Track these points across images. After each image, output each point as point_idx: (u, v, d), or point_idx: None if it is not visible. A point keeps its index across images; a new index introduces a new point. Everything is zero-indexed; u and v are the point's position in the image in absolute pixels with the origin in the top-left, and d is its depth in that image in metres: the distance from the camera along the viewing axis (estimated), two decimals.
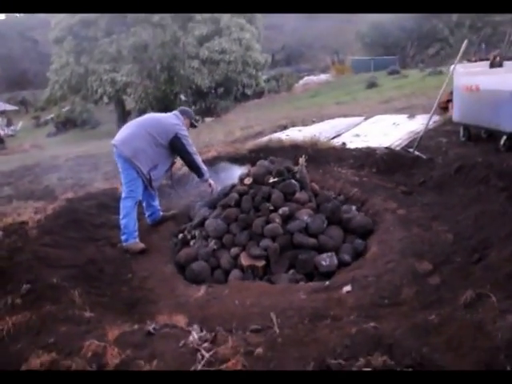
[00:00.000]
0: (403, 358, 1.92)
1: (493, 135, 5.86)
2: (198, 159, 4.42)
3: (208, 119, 15.15)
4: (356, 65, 24.16)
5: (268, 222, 3.88)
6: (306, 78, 19.81)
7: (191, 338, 2.22)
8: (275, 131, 8.96)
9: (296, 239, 3.72)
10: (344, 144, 6.89)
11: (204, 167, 4.46)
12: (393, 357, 1.92)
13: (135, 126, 4.29)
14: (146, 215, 4.68)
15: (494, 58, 7.11)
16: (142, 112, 17.87)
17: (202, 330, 2.44)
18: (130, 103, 20.56)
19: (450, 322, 2.17)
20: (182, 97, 16.93)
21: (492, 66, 5.91)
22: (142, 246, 4.08)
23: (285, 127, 9.32)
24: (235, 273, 3.58)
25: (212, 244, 3.84)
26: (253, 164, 5.00)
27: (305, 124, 9.30)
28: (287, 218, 3.91)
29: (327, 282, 3.16)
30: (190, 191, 5.36)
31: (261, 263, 3.59)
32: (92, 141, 17.03)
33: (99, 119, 27.12)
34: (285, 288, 3.19)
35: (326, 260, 3.53)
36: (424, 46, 32.46)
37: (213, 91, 17.72)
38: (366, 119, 8.89)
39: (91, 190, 5.69)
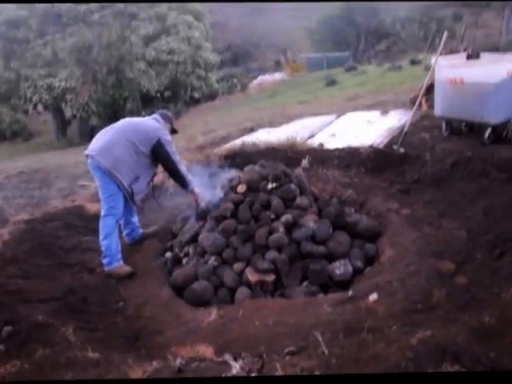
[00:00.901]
0: (474, 365, 1.92)
1: (473, 128, 6.14)
2: (183, 168, 4.25)
3: None
4: (310, 62, 24.64)
5: (271, 231, 3.81)
6: (259, 77, 19.92)
7: (234, 371, 2.11)
8: (242, 134, 8.90)
9: (305, 248, 3.67)
10: (322, 145, 6.96)
11: (189, 177, 4.30)
12: (463, 365, 1.91)
13: (112, 132, 4.02)
14: (124, 234, 4.47)
15: (465, 50, 7.51)
16: (84, 121, 17.21)
17: (235, 359, 2.34)
18: (69, 110, 19.74)
19: (509, 322, 2.19)
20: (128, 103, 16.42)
21: (469, 58, 6.20)
22: (128, 269, 3.87)
23: (251, 130, 9.29)
24: (242, 290, 3.46)
25: (212, 261, 3.71)
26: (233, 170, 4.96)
27: (273, 125, 9.32)
28: (291, 226, 3.86)
29: (350, 292, 3.13)
30: (168, 204, 5.18)
31: (270, 278, 3.50)
32: (29, 155, 16.19)
33: (32, 131, 25.90)
34: (306, 302, 3.13)
35: (340, 268, 3.51)
36: (374, 42, 33.75)
37: (159, 95, 17.33)
38: (337, 117, 9.03)
39: (49, 210, 5.36)
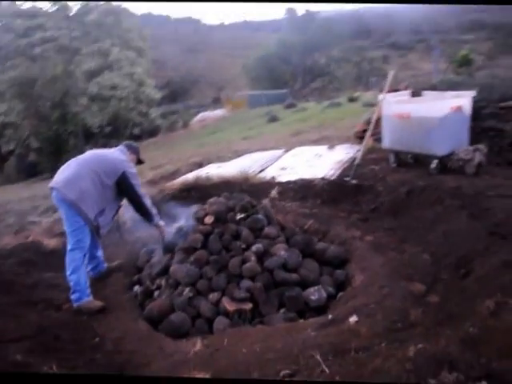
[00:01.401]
0: (470, 372, 2.11)
1: (418, 160, 6.67)
2: (148, 201, 4.28)
3: None
4: (250, 99, 25.43)
5: (243, 261, 3.90)
6: (200, 114, 20.23)
7: None
8: (192, 169, 9.00)
9: (278, 276, 3.79)
10: (274, 178, 7.21)
11: (154, 210, 4.33)
12: (460, 372, 2.10)
13: (77, 164, 4.02)
14: (89, 268, 4.38)
15: (405, 88, 8.20)
16: (22, 156, 16.52)
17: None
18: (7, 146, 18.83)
19: (490, 330, 2.42)
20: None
21: (413, 95, 6.81)
22: (99, 303, 3.80)
23: (200, 165, 9.42)
24: (221, 320, 3.50)
25: (187, 291, 3.72)
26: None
27: (222, 160, 9.51)
28: (262, 255, 3.98)
29: (330, 316, 3.27)
30: (127, 238, 5.14)
31: (248, 306, 3.57)
32: None
33: None
34: (289, 328, 3.22)
35: (315, 294, 3.66)
36: (309, 80, 35.55)
37: (99, 131, 17.07)
38: (285, 152, 9.38)
39: (3, 247, 5.17)
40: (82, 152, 4.79)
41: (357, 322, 3.12)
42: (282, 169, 7.96)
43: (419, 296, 3.35)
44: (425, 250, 4.05)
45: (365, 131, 9.21)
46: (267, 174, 7.57)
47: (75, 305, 3.79)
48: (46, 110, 15.17)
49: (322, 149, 9.04)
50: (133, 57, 18.41)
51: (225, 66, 49.39)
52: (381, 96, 6.52)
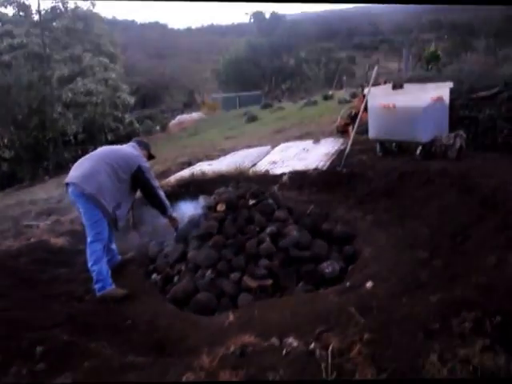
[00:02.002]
0: (486, 310, 2.43)
1: (402, 148, 7.08)
2: (162, 194, 4.46)
3: None
4: (225, 102, 25.74)
5: (259, 242, 4.17)
6: (178, 117, 20.38)
7: (295, 344, 2.42)
8: (182, 168, 9.18)
9: (293, 253, 4.08)
10: (267, 171, 7.50)
11: (167, 202, 4.52)
12: (478, 311, 2.43)
13: (94, 160, 4.16)
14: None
15: (385, 82, 8.62)
16: None
17: (281, 340, 2.64)
18: None
19: (496, 279, 2.77)
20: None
21: (394, 88, 7.20)
22: (123, 291, 3.94)
23: (189, 164, 9.61)
24: (244, 296, 3.75)
25: (209, 273, 3.96)
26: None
27: (210, 158, 9.72)
28: (275, 236, 4.25)
29: (348, 283, 3.58)
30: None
31: (269, 282, 3.84)
32: None
33: None
34: (312, 296, 3.51)
35: (329, 267, 3.96)
36: (280, 81, 36.03)
37: (73, 138, 16.93)
38: (272, 148, 9.68)
39: (10, 248, 5.24)
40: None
41: (373, 286, 3.44)
42: (273, 163, 8.25)
43: (424, 261, 3.69)
44: (422, 223, 4.40)
45: (346, 125, 9.65)
46: (259, 168, 7.85)
47: (99, 294, 3.91)
48: (23, 118, 15.04)
49: (307, 143, 9.38)
50: (106, 62, 18.40)
51: (194, 71, 49.43)
52: (366, 90, 6.88)
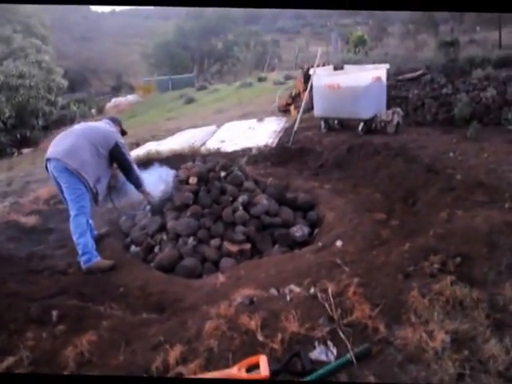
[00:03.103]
0: (448, 253, 2.87)
1: (344, 125, 7.57)
2: (137, 168, 4.55)
3: (26, 150, 13.68)
4: (159, 84, 25.23)
5: (233, 210, 4.40)
6: (113, 99, 19.73)
7: (296, 290, 2.71)
8: (131, 149, 9.08)
9: (266, 220, 4.36)
10: (219, 149, 7.69)
11: (142, 176, 4.61)
12: (441, 254, 2.86)
13: (75, 135, 4.14)
14: None
15: (324, 64, 9.05)
16: None
17: (278, 291, 2.92)
18: None
19: (450, 230, 3.23)
20: None
21: (335, 69, 7.63)
22: (109, 262, 3.99)
23: (137, 144, 9.52)
24: (226, 260, 3.99)
25: (191, 240, 4.14)
26: None
27: (157, 139, 9.70)
28: (246, 205, 4.51)
29: (319, 243, 3.92)
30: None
31: (247, 246, 4.10)
32: None
33: None
34: (290, 256, 3.82)
35: (299, 231, 4.29)
36: (209, 64, 35.84)
37: (5, 121, 15.85)
38: (218, 127, 9.85)
39: None
40: None
41: (342, 244, 3.81)
42: (222, 141, 8.44)
43: (383, 222, 4.13)
44: (375, 190, 4.88)
45: (287, 104, 10.03)
46: (210, 146, 8.01)
47: (85, 266, 3.93)
48: None
49: (252, 122, 9.65)
50: (38, 44, 17.30)
51: (119, 54, 47.71)
52: (311, 70, 7.24)
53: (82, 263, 3.96)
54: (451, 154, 5.15)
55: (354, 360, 2.12)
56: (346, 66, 7.65)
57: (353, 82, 6.62)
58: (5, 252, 4.28)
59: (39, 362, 2.50)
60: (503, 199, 3.64)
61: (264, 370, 2.08)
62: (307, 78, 9.57)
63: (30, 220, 5.19)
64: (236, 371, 2.12)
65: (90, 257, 3.95)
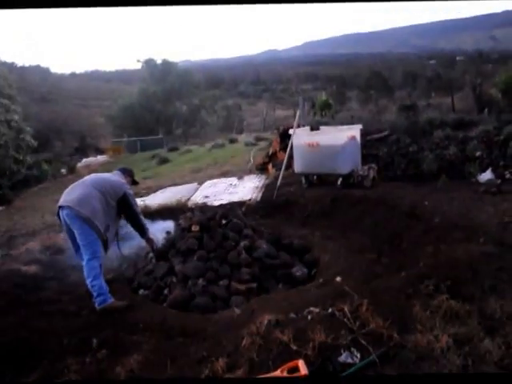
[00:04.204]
0: (439, 279, 3.44)
1: (322, 180, 8.29)
2: (143, 218, 5.00)
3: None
4: (128, 145, 25.90)
5: (237, 254, 4.87)
6: (84, 160, 20.09)
7: (316, 311, 3.19)
8: None
9: (267, 262, 4.85)
10: (205, 203, 8.20)
11: (147, 225, 5.06)
12: (434, 279, 3.43)
13: (85, 186, 4.55)
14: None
15: (299, 126, 9.90)
16: None
17: (297, 314, 3.38)
18: None
19: (437, 261, 3.83)
20: None
21: (312, 129, 8.46)
22: (124, 302, 4.30)
23: None
24: (236, 298, 4.40)
25: (201, 281, 4.54)
26: None
27: (140, 196, 10.12)
28: (248, 249, 4.99)
29: (320, 280, 4.43)
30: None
31: (254, 285, 4.54)
32: None
33: None
34: (295, 291, 4.28)
35: (299, 271, 4.79)
36: (174, 127, 37.03)
37: None
38: (199, 184, 10.39)
39: None
40: None
41: (342, 279, 4.32)
42: (206, 197, 8.96)
43: (374, 260, 4.70)
44: (362, 235, 5.48)
45: (265, 163, 10.77)
46: (196, 201, 8.52)
47: (100, 307, 4.20)
48: None
49: (232, 180, 10.26)
50: (7, 103, 17.72)
51: (81, 116, 48.46)
52: (291, 131, 8.02)
53: (96, 304, 4.24)
54: (426, 203, 5.87)
55: (377, 360, 2.60)
56: (321, 127, 8.50)
57: (331, 141, 7.41)
58: (14, 297, 4.54)
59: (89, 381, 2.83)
60: (477, 236, 4.31)
61: (303, 370, 2.52)
62: (283, 137, 10.49)
63: (31, 268, 5.46)
64: (279, 373, 2.55)
65: (104, 298, 4.25)
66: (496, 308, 3.03)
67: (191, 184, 10.56)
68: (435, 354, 2.62)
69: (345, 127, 8.04)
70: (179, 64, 45.22)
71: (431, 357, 2.61)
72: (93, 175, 4.93)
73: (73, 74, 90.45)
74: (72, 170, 17.98)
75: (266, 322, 3.18)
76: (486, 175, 6.91)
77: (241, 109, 51.01)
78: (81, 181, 4.74)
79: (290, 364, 2.60)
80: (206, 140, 24.70)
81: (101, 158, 20.51)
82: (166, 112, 38.37)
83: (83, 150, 33.39)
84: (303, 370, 2.53)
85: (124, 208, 4.75)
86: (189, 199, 8.98)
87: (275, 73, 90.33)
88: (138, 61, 44.26)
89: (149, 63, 42.98)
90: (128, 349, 3.13)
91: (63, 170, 17.77)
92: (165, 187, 10.83)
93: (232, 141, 18.01)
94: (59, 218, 4.58)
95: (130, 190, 4.88)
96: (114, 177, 4.90)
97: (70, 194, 4.49)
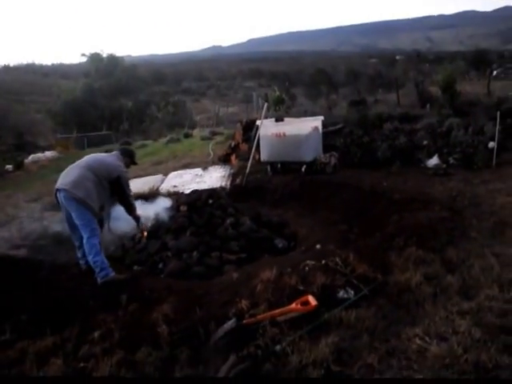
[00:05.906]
0: (408, 236, 4.25)
1: (286, 168, 9.03)
2: (133, 199, 5.41)
3: None
4: (77, 141, 25.53)
5: (225, 229, 5.49)
6: (31, 155, 19.65)
7: (311, 263, 3.89)
8: None
9: (252, 236, 5.50)
10: (177, 191, 8.71)
11: (135, 205, 5.49)
12: (403, 237, 4.24)
13: (81, 167, 4.83)
14: (82, 260, 4.97)
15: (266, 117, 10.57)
16: None
17: (293, 269, 4.06)
18: None
19: (401, 227, 4.65)
20: None
21: (277, 121, 9.18)
22: (126, 274, 4.73)
23: None
24: (228, 266, 5.01)
25: (195, 254, 5.11)
26: None
27: None
28: (234, 225, 5.62)
29: (303, 247, 5.14)
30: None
31: (244, 255, 5.17)
32: None
33: None
34: (282, 258, 4.95)
35: (280, 243, 5.48)
36: (118, 123, 36.50)
37: None
38: (164, 176, 10.82)
39: None
40: None
41: (321, 247, 5.04)
42: (175, 186, 9.45)
43: (346, 230, 5.47)
44: (332, 212, 6.25)
45: (228, 154, 11.39)
46: (168, 190, 8.99)
47: (103, 280, 4.48)
48: None
49: (197, 170, 10.77)
50: None
51: (17, 112, 46.58)
52: (258, 122, 8.71)
53: (99, 279, 4.54)
54: (385, 184, 6.76)
55: (368, 293, 3.34)
56: (286, 119, 9.24)
57: (296, 131, 8.17)
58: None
59: (129, 327, 3.36)
60: (433, 206, 5.19)
61: (313, 302, 3.21)
62: (246, 130, 11.17)
63: (20, 252, 5.76)
64: (295, 306, 3.22)
65: (107, 272, 4.56)
66: (453, 255, 3.88)
67: (157, 175, 10.96)
68: (412, 287, 3.39)
69: (308, 118, 8.83)
70: (130, 58, 44.68)
71: (410, 290, 3.39)
72: (89, 156, 5.15)
73: (6, 67, 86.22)
74: (19, 166, 17.58)
75: (268, 274, 3.83)
76: (433, 160, 7.94)
77: (185, 105, 50.94)
78: (76, 163, 4.97)
79: (302, 299, 3.27)
80: (154, 135, 24.85)
81: (49, 153, 20.22)
82: (111, 107, 37.82)
83: (22, 147, 32.31)
84: (313, 301, 3.22)
85: (117, 189, 5.04)
86: (158, 188, 9.44)
87: (219, 69, 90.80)
88: (83, 55, 43.36)
89: (94, 57, 42.22)
90: (155, 302, 3.68)
91: (9, 166, 17.34)
92: (130, 179, 11.15)
93: (187, 135, 18.42)
94: (57, 199, 4.93)
95: (126, 173, 5.20)
96: (110, 158, 5.17)
97: (65, 177, 4.76)
